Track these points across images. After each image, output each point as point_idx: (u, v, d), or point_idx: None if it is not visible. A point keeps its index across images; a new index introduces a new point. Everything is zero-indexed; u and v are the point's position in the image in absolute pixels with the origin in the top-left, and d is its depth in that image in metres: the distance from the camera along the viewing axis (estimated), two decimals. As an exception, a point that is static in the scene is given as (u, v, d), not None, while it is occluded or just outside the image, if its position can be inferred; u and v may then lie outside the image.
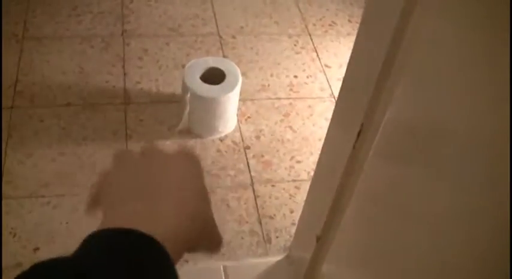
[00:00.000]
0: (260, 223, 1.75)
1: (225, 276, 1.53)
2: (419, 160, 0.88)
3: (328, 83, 2.25)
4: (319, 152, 1.37)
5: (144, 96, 2.11)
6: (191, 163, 0.52)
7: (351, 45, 1.10)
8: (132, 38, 2.35)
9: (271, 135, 2.02)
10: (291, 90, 2.21)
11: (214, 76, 1.91)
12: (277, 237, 1.72)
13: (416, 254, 0.91)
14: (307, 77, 2.27)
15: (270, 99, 2.16)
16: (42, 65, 2.18)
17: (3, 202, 1.72)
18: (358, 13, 2.62)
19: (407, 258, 0.95)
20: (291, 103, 2.15)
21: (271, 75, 2.26)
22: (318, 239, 1.33)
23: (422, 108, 0.87)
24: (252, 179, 1.87)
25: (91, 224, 1.47)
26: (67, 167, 1.84)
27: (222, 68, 1.93)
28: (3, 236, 1.64)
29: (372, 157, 1.06)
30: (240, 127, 2.03)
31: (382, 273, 1.08)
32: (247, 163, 1.92)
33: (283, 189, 1.86)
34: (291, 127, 2.06)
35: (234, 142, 1.98)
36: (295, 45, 2.42)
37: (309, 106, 2.15)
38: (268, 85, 2.21)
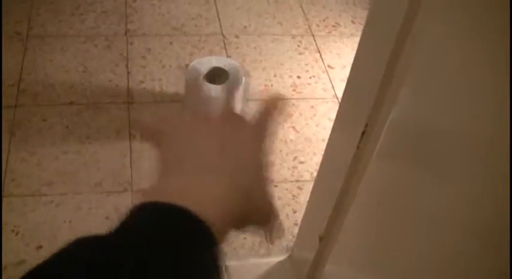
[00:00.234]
0: (262, 223, 1.75)
1: (227, 275, 1.53)
2: (424, 161, 0.88)
3: (331, 84, 2.25)
4: (322, 153, 1.37)
5: (147, 95, 2.11)
6: (260, 134, 0.51)
7: (354, 46, 1.10)
8: (136, 37, 2.35)
9: (274, 135, 2.02)
10: (294, 90, 2.21)
11: (217, 76, 1.91)
12: (279, 237, 1.72)
13: (419, 256, 0.91)
14: (310, 78, 2.27)
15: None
16: (46, 64, 2.18)
17: (6, 200, 1.72)
18: (361, 14, 2.62)
19: (410, 260, 0.95)
20: (294, 104, 2.15)
21: (275, 75, 2.26)
22: (321, 239, 1.33)
23: (427, 109, 0.88)
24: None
25: (94, 222, 1.46)
26: (70, 166, 1.84)
27: (226, 68, 1.93)
28: (6, 233, 1.64)
29: (375, 158, 1.06)
30: (243, 127, 2.03)
31: (385, 275, 1.08)
32: (250, 163, 1.91)
33: (286, 189, 1.86)
34: (294, 128, 2.06)
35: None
36: (298, 45, 2.42)
37: (312, 107, 2.15)
38: (272, 85, 2.22)
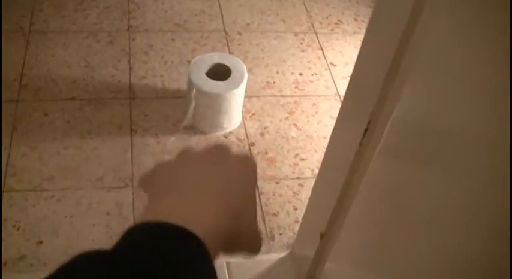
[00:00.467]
0: (264, 220, 1.75)
1: (228, 272, 1.53)
2: (427, 159, 0.88)
3: (333, 81, 2.24)
4: (323, 150, 1.37)
5: (150, 91, 2.11)
6: (247, 166, 0.52)
7: (357, 43, 1.10)
8: (138, 33, 2.35)
9: (276, 132, 2.02)
10: (296, 87, 2.21)
11: (220, 73, 1.91)
12: (280, 234, 1.72)
13: (420, 254, 0.91)
14: (313, 75, 2.27)
15: (275, 96, 2.16)
16: (48, 59, 2.18)
17: (7, 195, 1.72)
18: (364, 12, 2.62)
19: (411, 258, 0.95)
20: (296, 101, 2.15)
21: (277, 72, 2.26)
22: (322, 236, 1.33)
23: (430, 107, 0.87)
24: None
25: (94, 218, 1.47)
26: (71, 161, 1.84)
27: (228, 64, 1.93)
28: (7, 228, 1.64)
29: (378, 155, 1.05)
30: (244, 124, 2.03)
31: (385, 273, 1.08)
32: (252, 159, 1.92)
33: (287, 186, 1.86)
34: (295, 125, 2.06)
35: (238, 139, 1.98)
36: (301, 43, 2.42)
37: (314, 104, 2.15)
38: (274, 82, 2.21)
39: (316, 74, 2.28)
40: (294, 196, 1.83)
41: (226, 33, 2.41)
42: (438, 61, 0.82)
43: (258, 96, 2.14)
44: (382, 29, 1.01)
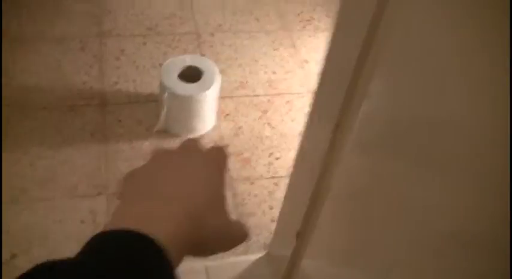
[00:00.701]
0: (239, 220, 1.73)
1: (207, 276, 1.52)
2: (398, 153, 0.88)
3: (307, 79, 2.24)
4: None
5: (122, 97, 2.09)
6: (217, 168, 0.52)
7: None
8: (109, 38, 2.33)
9: (250, 132, 2.01)
10: (269, 86, 2.20)
11: (192, 75, 1.90)
12: (257, 234, 1.71)
13: (396, 249, 0.91)
14: (286, 73, 2.26)
15: (249, 96, 2.15)
16: (18, 67, 2.15)
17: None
18: (336, 8, 2.61)
19: (387, 253, 0.95)
20: (269, 100, 2.14)
21: (250, 72, 2.25)
22: (298, 235, 1.32)
23: (399, 100, 0.87)
24: (230, 178, 1.86)
25: (69, 227, 1.45)
26: (45, 171, 1.82)
27: (200, 66, 1.92)
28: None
29: (350, 151, 1.05)
30: (219, 125, 2.02)
31: (362, 268, 1.07)
32: (226, 161, 1.90)
33: (262, 186, 1.85)
34: (269, 124, 2.05)
35: (212, 141, 1.96)
36: (273, 41, 2.41)
37: (288, 102, 2.14)
38: (247, 82, 2.20)
39: (289, 72, 2.27)
40: (269, 195, 1.82)
41: (198, 35, 2.40)
42: (404, 54, 0.82)
43: (231, 97, 2.13)
44: (349, 23, 1.00)
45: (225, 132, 2.00)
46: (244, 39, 2.40)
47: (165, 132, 1.96)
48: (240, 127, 2.02)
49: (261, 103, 2.12)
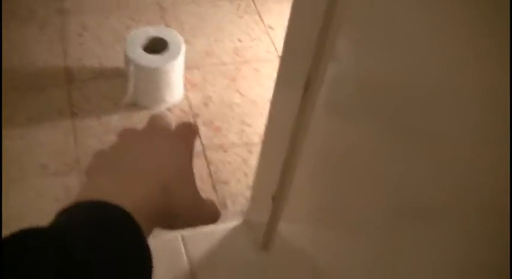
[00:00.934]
0: (215, 189, 1.74)
1: (183, 245, 1.52)
2: (367, 114, 0.88)
3: (274, 45, 2.23)
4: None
5: (88, 73, 2.06)
6: (184, 143, 0.53)
7: (294, 4, 1.08)
8: (71, 15, 2.29)
9: (220, 101, 2.00)
10: (236, 54, 2.18)
11: (157, 46, 1.88)
12: (233, 202, 1.72)
13: (366, 210, 0.92)
14: (252, 40, 2.25)
15: (216, 65, 2.14)
16: (-22, 48, 2.11)
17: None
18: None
19: (358, 214, 0.96)
20: (237, 68, 2.13)
21: (216, 41, 2.23)
22: (274, 199, 1.33)
23: (366, 61, 0.87)
24: (203, 146, 1.85)
25: (44, 205, 1.43)
26: (13, 151, 1.79)
27: (164, 37, 1.90)
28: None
29: (320, 114, 1.05)
30: (187, 96, 2.01)
31: (337, 228, 1.09)
32: (198, 130, 1.90)
33: (236, 154, 1.85)
34: (238, 91, 2.04)
35: (182, 111, 1.95)
36: (237, 9, 2.38)
37: (256, 69, 2.13)
38: (213, 51, 2.19)
39: (255, 39, 2.26)
40: (243, 162, 1.82)
41: (161, 6, 2.36)
42: (370, 12, 0.82)
43: (198, 67, 2.11)
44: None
45: (194, 102, 1.99)
46: (209, 8, 2.37)
47: (134, 105, 1.95)
48: (209, 96, 2.01)
49: (228, 71, 2.11)
